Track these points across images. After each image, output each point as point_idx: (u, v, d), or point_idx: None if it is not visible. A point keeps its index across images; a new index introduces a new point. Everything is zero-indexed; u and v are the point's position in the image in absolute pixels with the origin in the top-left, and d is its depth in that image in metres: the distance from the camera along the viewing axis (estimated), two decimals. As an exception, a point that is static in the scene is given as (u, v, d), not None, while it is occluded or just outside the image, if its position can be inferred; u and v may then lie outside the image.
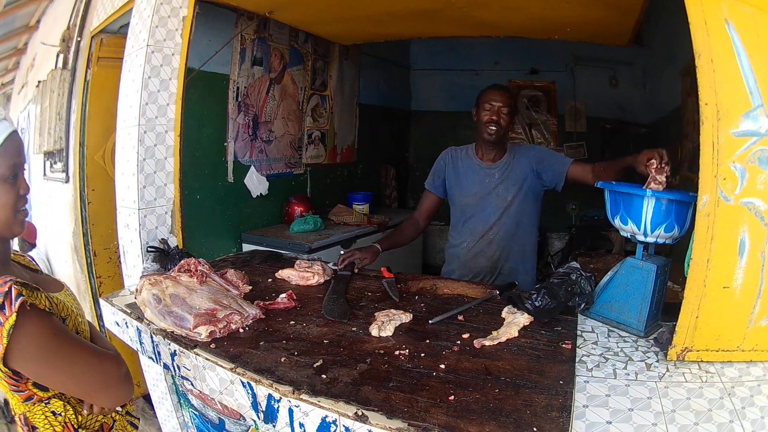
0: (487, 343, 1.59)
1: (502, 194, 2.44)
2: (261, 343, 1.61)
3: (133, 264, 2.46)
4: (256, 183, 3.75)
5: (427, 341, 1.63)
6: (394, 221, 4.40)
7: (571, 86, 5.48)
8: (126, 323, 1.86)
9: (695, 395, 1.41)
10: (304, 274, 2.22)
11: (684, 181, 3.70)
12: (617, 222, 1.87)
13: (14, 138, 1.28)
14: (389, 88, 5.69)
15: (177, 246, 2.50)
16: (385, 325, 1.69)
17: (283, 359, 1.50)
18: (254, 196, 3.75)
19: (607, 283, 1.89)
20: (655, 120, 4.87)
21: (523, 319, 1.75)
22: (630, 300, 1.81)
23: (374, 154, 5.35)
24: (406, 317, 1.79)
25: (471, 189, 2.48)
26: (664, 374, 1.51)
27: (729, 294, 1.51)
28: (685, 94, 3.58)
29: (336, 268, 2.32)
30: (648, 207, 1.73)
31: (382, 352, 1.55)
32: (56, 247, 4.53)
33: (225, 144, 3.51)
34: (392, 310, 1.84)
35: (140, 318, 1.76)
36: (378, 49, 5.11)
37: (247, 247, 3.51)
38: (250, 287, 2.12)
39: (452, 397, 1.28)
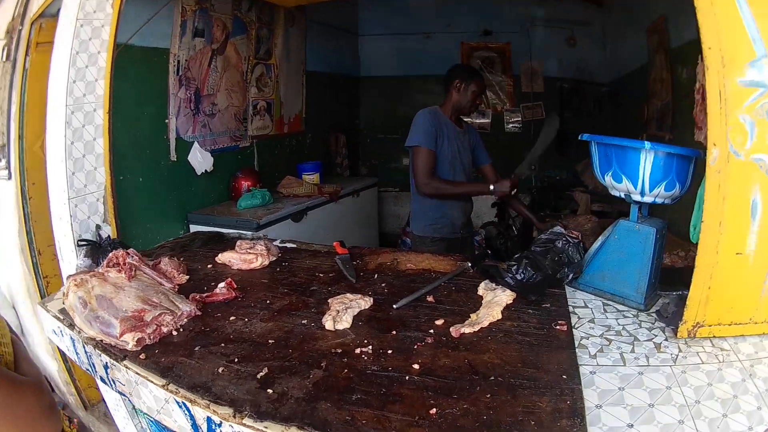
0: (466, 330, 1.31)
1: (467, 155, 2.83)
2: (196, 348, 1.30)
3: (69, 260, 2.22)
4: (200, 159, 3.46)
5: (394, 332, 1.32)
6: (347, 190, 4.19)
7: (527, 47, 5.31)
8: (61, 331, 1.58)
9: (716, 380, 1.23)
10: (246, 256, 1.88)
11: (651, 139, 3.55)
12: (608, 179, 1.60)
13: None
14: (337, 55, 5.48)
15: (109, 236, 2.23)
16: (341, 314, 1.37)
17: (221, 369, 1.18)
18: (199, 173, 3.47)
19: (598, 249, 1.64)
20: (615, 79, 4.79)
21: (505, 296, 1.47)
22: (626, 268, 1.57)
23: (323, 122, 5.11)
24: (365, 302, 1.48)
25: (454, 146, 2.72)
26: (677, 356, 1.33)
27: (742, 261, 1.35)
28: (652, 52, 3.45)
29: None
30: (646, 162, 1.49)
31: (339, 351, 1.23)
32: (3, 249, 4.15)
33: (166, 121, 3.24)
34: (349, 295, 1.52)
35: (72, 325, 1.48)
36: (325, 15, 4.89)
37: (194, 228, 3.25)
38: (188, 276, 1.79)
39: (434, 410, 0.98)
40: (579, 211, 4.30)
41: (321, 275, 1.77)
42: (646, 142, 1.49)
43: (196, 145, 3.44)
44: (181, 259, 1.94)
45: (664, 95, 3.15)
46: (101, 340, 1.37)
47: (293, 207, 3.51)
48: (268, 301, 1.55)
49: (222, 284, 1.63)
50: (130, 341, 1.32)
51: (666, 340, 1.39)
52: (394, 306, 1.47)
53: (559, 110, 5.29)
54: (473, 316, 1.40)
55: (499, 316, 1.39)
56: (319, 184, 4.07)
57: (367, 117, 6.04)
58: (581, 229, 2.86)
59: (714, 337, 1.38)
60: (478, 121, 5.56)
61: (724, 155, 1.28)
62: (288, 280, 1.74)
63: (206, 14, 3.41)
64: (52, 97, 2.27)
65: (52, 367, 3.15)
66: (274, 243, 2.14)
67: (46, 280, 3.44)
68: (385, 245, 4.88)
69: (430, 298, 1.53)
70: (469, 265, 1.78)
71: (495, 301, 1.44)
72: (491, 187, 2.59)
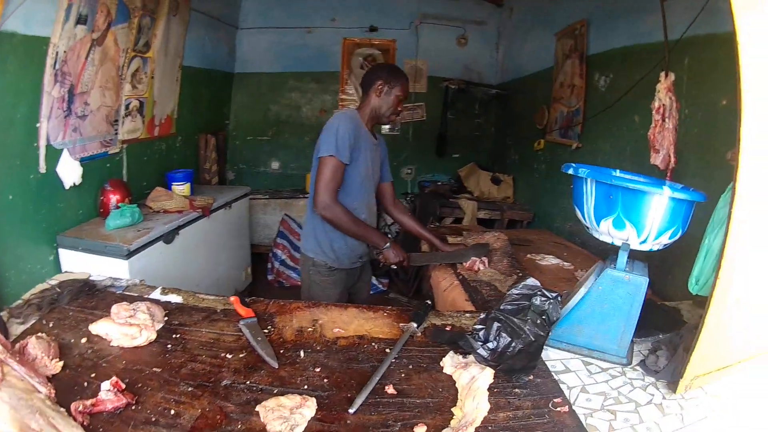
0: (460, 440, 0.98)
1: (378, 172, 2.48)
2: None
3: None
4: (68, 170, 2.87)
5: (368, 459, 0.95)
6: (220, 202, 3.65)
7: (414, 45, 5.09)
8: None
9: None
10: (127, 330, 1.38)
11: (550, 145, 3.51)
12: (605, 225, 1.35)
13: None
14: (214, 49, 4.93)
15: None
16: (287, 439, 0.97)
17: None
18: (67, 186, 2.85)
19: (577, 302, 1.39)
20: (508, 81, 4.74)
21: (486, 378, 1.17)
22: (607, 322, 1.36)
23: (195, 123, 4.54)
24: (309, 409, 1.08)
25: (368, 161, 2.34)
26: (682, 415, 1.24)
27: (741, 307, 1.27)
28: (561, 56, 3.36)
29: None
30: (658, 208, 1.27)
31: None
32: None
33: (37, 125, 2.63)
34: (283, 400, 1.10)
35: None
36: (208, 4, 4.39)
37: (64, 254, 2.70)
38: (62, 363, 1.29)
39: None
40: (465, 219, 4.12)
41: (229, 356, 1.34)
42: (665, 184, 1.27)
43: (65, 153, 2.84)
44: (51, 324, 1.54)
45: (575, 102, 3.08)
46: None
47: (164, 226, 3.00)
48: (172, 411, 1.09)
49: (107, 385, 1.15)
50: None
51: (664, 398, 1.29)
52: (350, 410, 1.09)
53: (442, 111, 5.16)
54: (457, 411, 1.07)
55: (489, 406, 1.09)
56: (189, 196, 3.53)
57: (237, 117, 5.57)
58: (491, 247, 2.64)
59: (704, 384, 1.33)
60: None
61: (749, 206, 1.15)
62: (188, 366, 1.28)
63: (94, -3, 2.84)
64: None
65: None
66: (155, 295, 1.72)
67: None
68: (256, 258, 4.50)
69: (389, 389, 1.18)
70: (414, 326, 1.46)
71: (477, 388, 1.13)
72: (386, 245, 2.28)
